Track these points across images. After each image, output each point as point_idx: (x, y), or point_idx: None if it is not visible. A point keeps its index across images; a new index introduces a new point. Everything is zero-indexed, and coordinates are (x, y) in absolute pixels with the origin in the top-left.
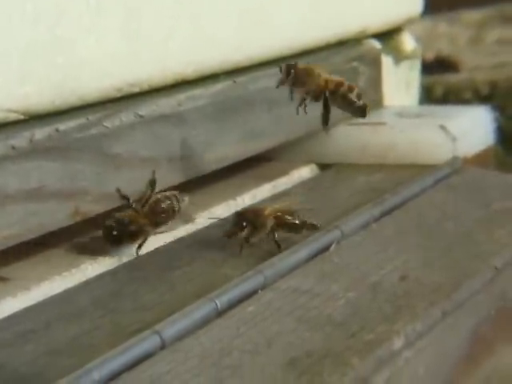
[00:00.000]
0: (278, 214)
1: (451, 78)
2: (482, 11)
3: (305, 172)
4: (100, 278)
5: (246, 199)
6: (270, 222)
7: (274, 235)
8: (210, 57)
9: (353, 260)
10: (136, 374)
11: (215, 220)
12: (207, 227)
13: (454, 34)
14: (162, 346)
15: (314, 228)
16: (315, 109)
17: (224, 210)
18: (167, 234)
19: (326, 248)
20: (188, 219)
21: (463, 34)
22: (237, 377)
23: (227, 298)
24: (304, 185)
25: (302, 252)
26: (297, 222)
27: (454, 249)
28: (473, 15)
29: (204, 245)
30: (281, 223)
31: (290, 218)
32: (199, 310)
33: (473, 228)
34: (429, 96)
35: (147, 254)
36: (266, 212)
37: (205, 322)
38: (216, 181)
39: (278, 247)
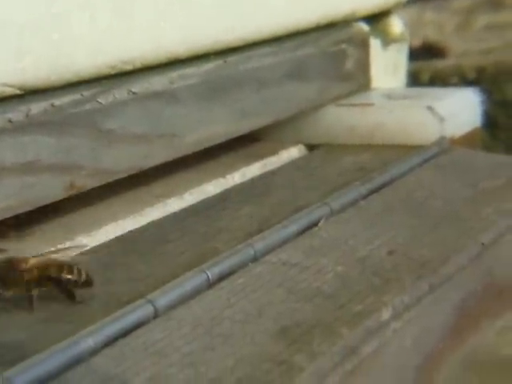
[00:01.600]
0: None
1: (438, 64)
2: None
3: (294, 152)
4: (94, 250)
5: (236, 177)
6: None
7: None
8: (202, 36)
9: (341, 235)
10: (130, 341)
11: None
12: (198, 203)
13: (441, 20)
14: (155, 315)
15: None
16: (304, 88)
17: (214, 187)
18: (158, 210)
19: (315, 224)
20: None
21: (451, 20)
22: (228, 345)
23: (218, 269)
24: (293, 164)
25: (291, 227)
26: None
27: (441, 225)
28: (461, 2)
29: (195, 219)
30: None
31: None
32: (191, 281)
33: (460, 206)
34: (415, 81)
35: (140, 228)
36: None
37: (196, 293)
38: (207, 159)
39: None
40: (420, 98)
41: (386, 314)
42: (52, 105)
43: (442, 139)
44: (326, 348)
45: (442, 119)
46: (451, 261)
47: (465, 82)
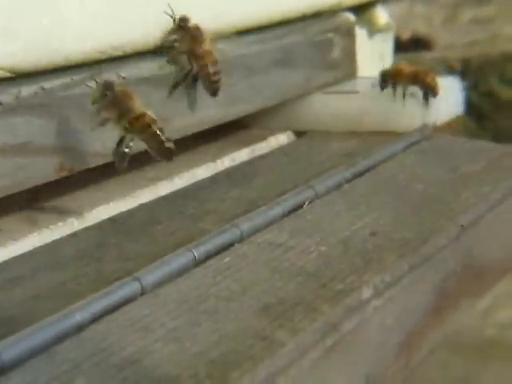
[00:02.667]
0: None
1: (425, 56)
2: None
3: (282, 138)
4: (86, 230)
5: (226, 162)
6: None
7: None
8: None
9: (325, 217)
10: (117, 316)
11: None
12: (188, 186)
13: (429, 14)
14: (142, 292)
15: None
16: (291, 76)
17: (204, 171)
18: (150, 192)
19: (300, 206)
20: None
21: (439, 14)
22: (212, 321)
23: (205, 249)
24: (281, 150)
25: (277, 209)
26: None
27: (422, 208)
28: None
29: (185, 202)
30: None
31: None
32: (177, 259)
33: (441, 189)
34: None
35: (131, 210)
36: None
37: (183, 271)
38: (198, 144)
39: None
40: None
41: (366, 293)
42: (42, 88)
43: (424, 126)
44: (307, 324)
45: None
46: (431, 241)
47: (451, 73)
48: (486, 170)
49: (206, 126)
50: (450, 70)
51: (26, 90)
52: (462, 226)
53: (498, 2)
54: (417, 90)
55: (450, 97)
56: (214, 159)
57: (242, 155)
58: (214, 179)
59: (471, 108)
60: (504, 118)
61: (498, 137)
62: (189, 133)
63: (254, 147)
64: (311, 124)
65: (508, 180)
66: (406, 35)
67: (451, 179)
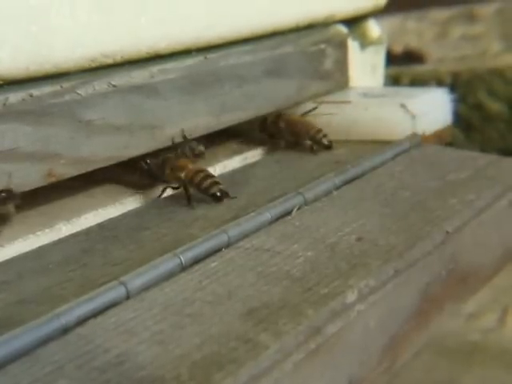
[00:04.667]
0: None
1: (417, 69)
2: (449, 10)
3: (273, 147)
4: (73, 236)
5: (218, 169)
6: None
7: None
8: (182, 33)
9: (313, 223)
10: (102, 320)
11: None
12: (178, 193)
13: (421, 29)
14: (128, 296)
15: None
16: (283, 85)
17: None
18: (140, 199)
19: (289, 212)
20: None
21: (430, 30)
22: (196, 324)
23: (191, 254)
24: (272, 158)
25: (265, 215)
26: None
27: (409, 215)
28: (440, 14)
29: (174, 208)
30: None
31: None
32: (164, 264)
33: (428, 197)
34: (396, 85)
35: (119, 215)
36: None
37: (169, 276)
38: None
39: None
40: (394, 96)
41: (351, 297)
42: (30, 95)
43: (413, 135)
44: (291, 327)
45: (413, 116)
46: (416, 247)
47: (441, 86)
48: (471, 179)
49: (196, 134)
50: (439, 83)
51: (14, 96)
52: (448, 232)
53: (487, 20)
54: (406, 101)
55: (439, 108)
56: (205, 166)
57: (234, 163)
58: None
59: (460, 120)
60: (491, 129)
61: (485, 148)
62: (179, 141)
63: (245, 155)
64: None
65: (492, 188)
66: (398, 49)
67: (438, 187)
